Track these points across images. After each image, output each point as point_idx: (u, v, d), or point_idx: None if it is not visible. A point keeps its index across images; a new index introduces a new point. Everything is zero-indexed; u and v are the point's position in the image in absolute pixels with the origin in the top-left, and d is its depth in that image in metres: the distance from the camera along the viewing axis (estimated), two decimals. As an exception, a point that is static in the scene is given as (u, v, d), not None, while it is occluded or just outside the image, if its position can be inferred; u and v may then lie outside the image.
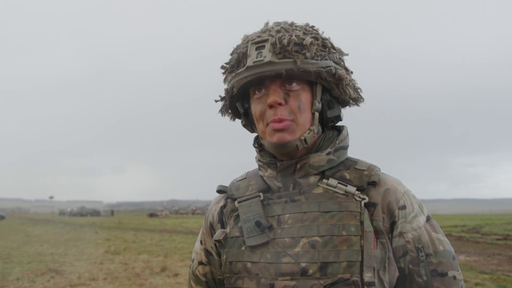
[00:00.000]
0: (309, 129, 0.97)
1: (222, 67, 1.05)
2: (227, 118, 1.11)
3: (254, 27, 1.04)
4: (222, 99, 1.09)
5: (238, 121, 1.11)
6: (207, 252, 1.13)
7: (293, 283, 0.90)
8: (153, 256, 11.46)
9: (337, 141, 1.01)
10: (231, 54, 1.03)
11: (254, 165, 1.12)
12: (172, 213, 70.94)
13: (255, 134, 1.10)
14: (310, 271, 0.89)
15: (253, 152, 1.09)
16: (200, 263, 1.14)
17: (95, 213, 66.69)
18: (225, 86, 1.04)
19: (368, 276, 0.87)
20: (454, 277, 0.96)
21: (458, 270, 0.98)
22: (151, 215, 57.35)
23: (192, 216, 59.58)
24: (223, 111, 1.11)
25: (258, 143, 1.08)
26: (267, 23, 1.02)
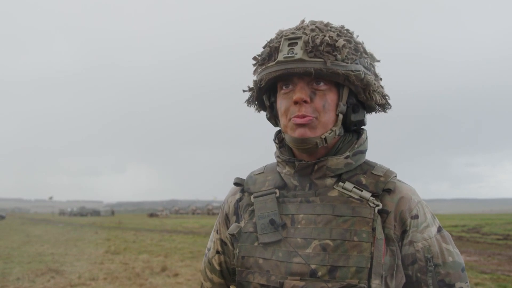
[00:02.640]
0: (330, 129, 0.98)
1: (254, 58, 1.06)
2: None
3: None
4: (250, 89, 1.09)
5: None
6: (222, 242, 1.15)
7: (302, 283, 0.91)
8: (153, 256, 11.46)
9: (356, 145, 1.02)
10: (264, 47, 1.03)
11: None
12: (172, 213, 70.94)
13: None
14: (319, 273, 0.91)
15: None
16: (217, 252, 1.16)
17: (95, 213, 66.62)
18: (254, 78, 1.06)
19: (375, 283, 0.88)
20: None
21: (467, 282, 0.99)
22: (151, 215, 57.32)
23: (192, 216, 59.56)
24: (249, 101, 1.12)
25: (279, 139, 1.09)
26: (303, 21, 1.03)
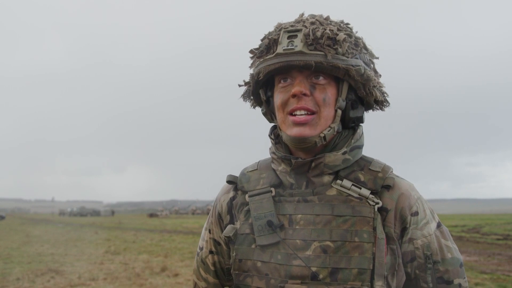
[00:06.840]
0: (329, 126, 0.96)
1: (251, 51, 1.03)
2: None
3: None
4: (246, 84, 1.07)
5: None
6: (215, 242, 1.12)
7: (303, 287, 0.90)
8: (153, 256, 11.44)
9: (352, 140, 1.00)
10: (262, 40, 1.01)
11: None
12: (172, 213, 70.87)
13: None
14: (321, 276, 0.89)
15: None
16: (210, 252, 1.13)
17: (95, 213, 66.65)
18: (251, 71, 1.03)
19: (378, 285, 0.87)
20: (460, 285, 0.97)
21: (464, 278, 0.98)
22: (151, 215, 57.28)
23: (192, 216, 59.50)
24: (245, 96, 1.10)
25: (275, 134, 1.06)
26: (302, 14, 1.01)
